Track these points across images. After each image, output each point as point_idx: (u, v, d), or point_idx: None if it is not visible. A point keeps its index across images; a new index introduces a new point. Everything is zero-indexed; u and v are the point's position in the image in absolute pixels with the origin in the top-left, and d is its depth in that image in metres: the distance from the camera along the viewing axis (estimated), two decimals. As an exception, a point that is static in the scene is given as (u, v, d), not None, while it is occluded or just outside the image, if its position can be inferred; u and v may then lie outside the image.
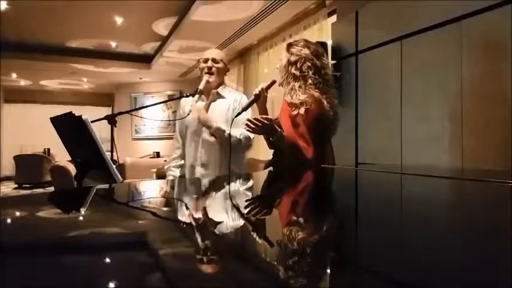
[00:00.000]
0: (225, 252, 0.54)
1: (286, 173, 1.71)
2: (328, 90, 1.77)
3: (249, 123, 1.70)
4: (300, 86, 1.72)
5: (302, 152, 1.68)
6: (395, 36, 2.56)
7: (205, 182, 1.63)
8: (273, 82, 1.87)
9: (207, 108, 2.11)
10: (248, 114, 1.94)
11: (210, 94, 2.12)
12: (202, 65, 2.15)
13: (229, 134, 1.92)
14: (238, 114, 1.85)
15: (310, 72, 1.74)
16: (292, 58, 1.76)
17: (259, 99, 1.86)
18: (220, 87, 2.15)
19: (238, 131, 1.98)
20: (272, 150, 1.92)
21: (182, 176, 2.18)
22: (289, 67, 1.76)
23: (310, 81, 1.73)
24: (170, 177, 2.20)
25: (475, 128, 2.08)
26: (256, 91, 1.85)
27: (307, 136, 1.68)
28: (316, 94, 1.70)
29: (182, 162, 2.21)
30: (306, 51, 1.76)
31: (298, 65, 1.75)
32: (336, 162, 1.91)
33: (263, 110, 1.88)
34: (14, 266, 0.46)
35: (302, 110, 1.67)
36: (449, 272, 0.43)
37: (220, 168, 2.06)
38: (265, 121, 1.69)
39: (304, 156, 1.67)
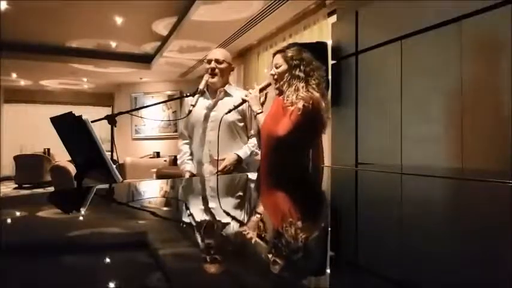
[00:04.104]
0: (225, 252, 0.54)
1: (282, 173, 1.71)
2: (325, 93, 1.89)
3: None
4: (302, 87, 1.81)
5: (303, 153, 1.77)
6: (395, 36, 2.55)
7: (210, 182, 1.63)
8: (269, 84, 1.91)
9: (213, 105, 2.15)
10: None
11: (217, 92, 2.17)
12: (207, 65, 2.18)
13: (218, 135, 1.96)
14: (229, 111, 1.95)
15: (316, 74, 1.84)
16: (294, 62, 1.84)
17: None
18: (227, 85, 2.19)
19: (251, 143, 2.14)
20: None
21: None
22: (293, 70, 1.83)
23: (312, 82, 1.82)
24: (187, 168, 2.20)
25: (475, 128, 2.08)
26: (245, 97, 1.94)
27: (292, 122, 1.76)
28: (316, 95, 1.79)
29: (191, 157, 2.24)
30: (305, 54, 1.86)
31: (302, 67, 1.83)
32: (336, 162, 1.92)
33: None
34: (14, 266, 0.46)
35: (300, 104, 1.75)
36: (449, 272, 0.43)
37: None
38: None
39: (304, 158, 1.75)
